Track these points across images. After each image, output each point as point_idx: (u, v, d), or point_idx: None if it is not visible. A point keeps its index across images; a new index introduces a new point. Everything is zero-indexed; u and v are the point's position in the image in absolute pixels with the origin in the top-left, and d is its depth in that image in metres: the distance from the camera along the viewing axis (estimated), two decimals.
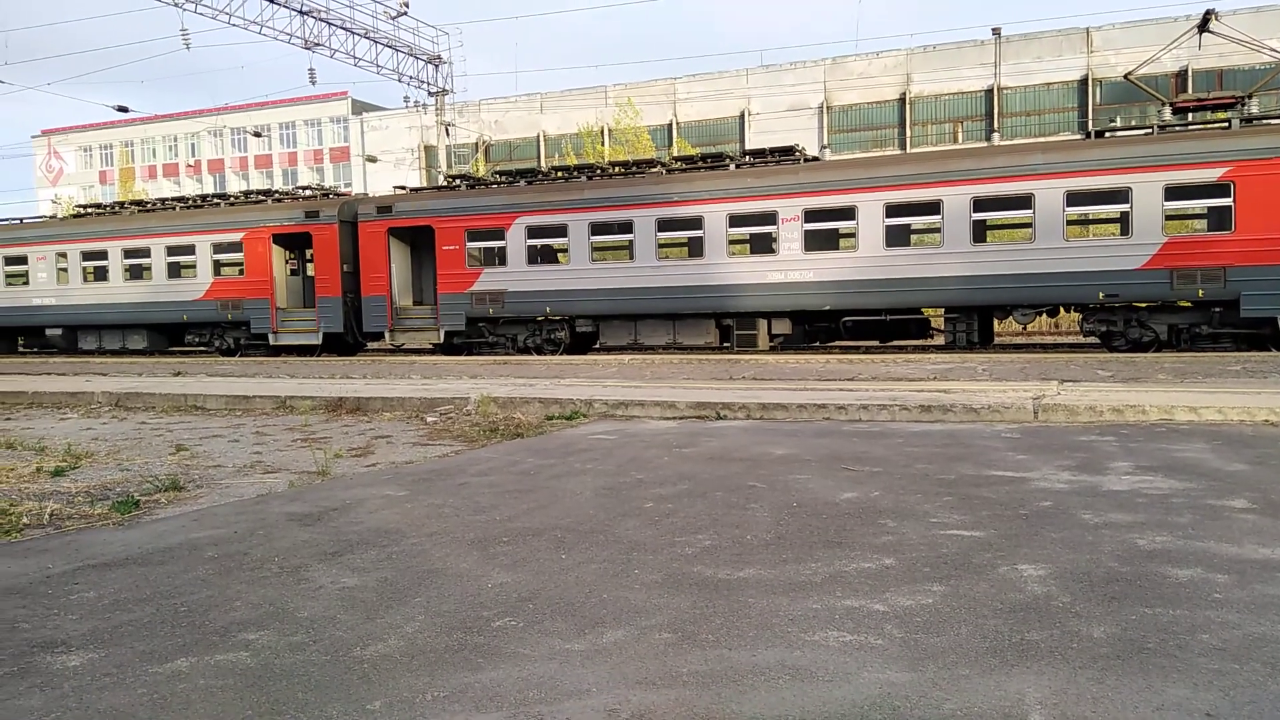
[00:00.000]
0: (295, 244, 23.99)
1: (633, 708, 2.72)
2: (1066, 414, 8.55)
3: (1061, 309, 18.39)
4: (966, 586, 3.77)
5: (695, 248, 19.61)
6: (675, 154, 30.21)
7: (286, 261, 24.16)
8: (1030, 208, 16.87)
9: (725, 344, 19.79)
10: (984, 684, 2.82)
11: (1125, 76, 20.62)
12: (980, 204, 17.22)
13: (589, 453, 7.52)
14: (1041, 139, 35.30)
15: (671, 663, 3.06)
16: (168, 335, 25.75)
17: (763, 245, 19.23)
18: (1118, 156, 16.36)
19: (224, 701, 2.85)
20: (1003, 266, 17.09)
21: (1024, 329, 21.77)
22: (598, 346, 21.75)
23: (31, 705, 2.86)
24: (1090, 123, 39.02)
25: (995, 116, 43.54)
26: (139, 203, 27.70)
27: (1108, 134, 17.71)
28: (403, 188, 25.65)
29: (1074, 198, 16.61)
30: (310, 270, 24.00)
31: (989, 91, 43.77)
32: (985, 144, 39.73)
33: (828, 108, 46.60)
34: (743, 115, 48.01)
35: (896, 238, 18.19)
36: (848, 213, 18.13)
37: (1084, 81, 42.12)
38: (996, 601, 3.58)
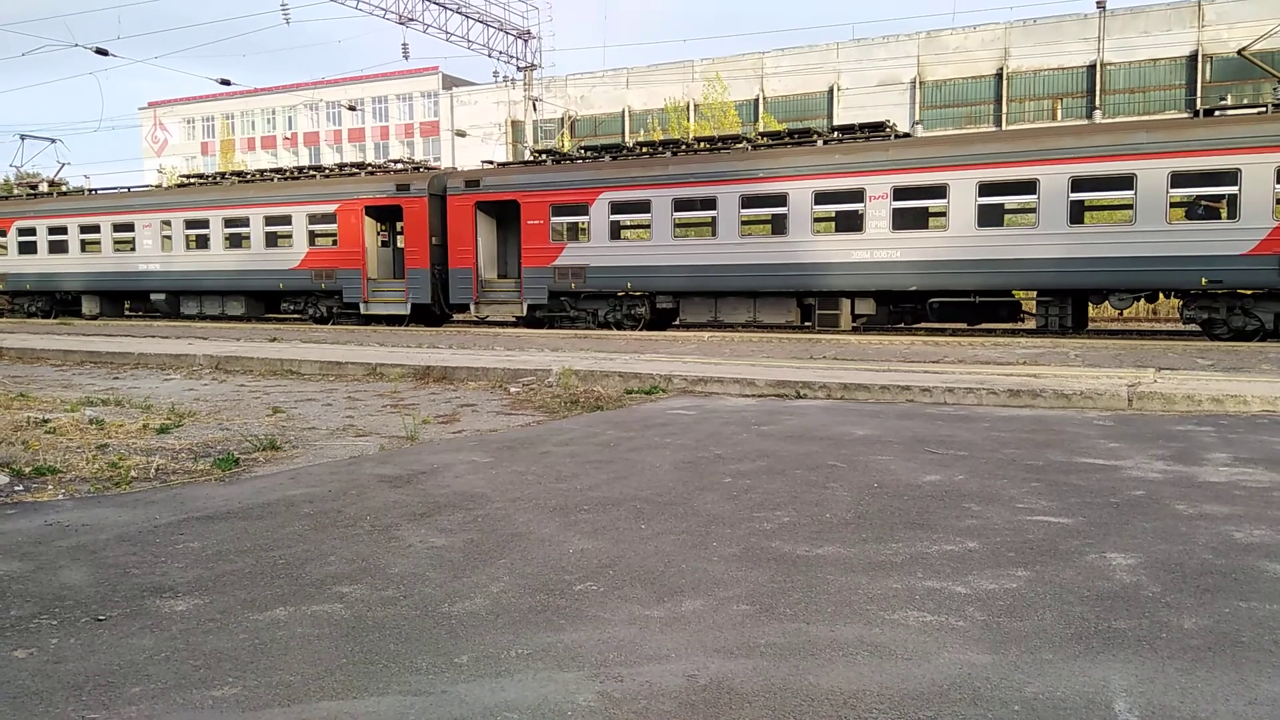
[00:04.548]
0: (386, 216, 24.55)
1: (711, 674, 2.77)
2: (1163, 402, 8.27)
3: (1161, 294, 17.72)
4: (1052, 572, 3.71)
5: (779, 225, 19.42)
6: (761, 129, 29.88)
7: (378, 233, 24.74)
8: (1132, 189, 16.25)
9: (806, 323, 19.59)
10: (1067, 669, 2.78)
11: (1239, 52, 19.58)
12: (1079, 184, 16.65)
13: (668, 427, 7.58)
14: (1145, 117, 33.87)
15: (749, 633, 3.10)
16: (264, 302, 26.69)
17: (848, 223, 18.93)
18: (1226, 136, 15.62)
19: (320, 649, 2.99)
20: (1101, 249, 16.52)
21: (1120, 314, 21.02)
22: (677, 323, 21.77)
23: (144, 645, 3.04)
24: (1199, 101, 37.26)
25: (1097, 94, 41.89)
26: (239, 173, 28.65)
27: (1216, 113, 16.91)
28: (490, 162, 25.96)
29: (1179, 179, 15.94)
30: (400, 242, 24.54)
31: (1091, 67, 42.11)
32: (1085, 122, 38.28)
33: (920, 83, 45.46)
34: (831, 90, 47.18)
35: (989, 217, 17.72)
36: (938, 191, 17.72)
37: (1193, 57, 40.20)
38: (1083, 589, 3.51)
